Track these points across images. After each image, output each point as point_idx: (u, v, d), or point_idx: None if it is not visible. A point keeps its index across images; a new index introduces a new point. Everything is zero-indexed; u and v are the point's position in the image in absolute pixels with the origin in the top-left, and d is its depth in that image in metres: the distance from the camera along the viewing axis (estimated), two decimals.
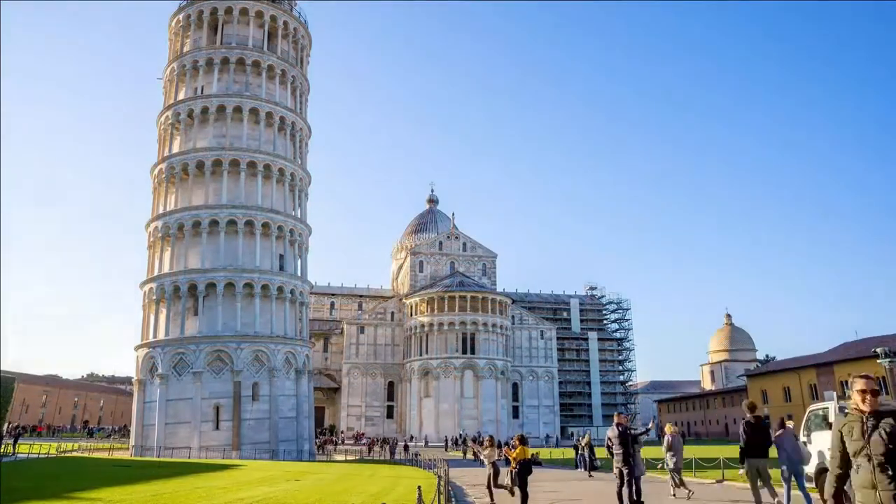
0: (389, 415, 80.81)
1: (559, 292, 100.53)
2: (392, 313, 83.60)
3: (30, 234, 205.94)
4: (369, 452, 50.62)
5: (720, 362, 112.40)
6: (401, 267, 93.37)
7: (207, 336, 40.94)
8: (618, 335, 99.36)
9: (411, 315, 78.87)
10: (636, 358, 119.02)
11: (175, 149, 46.26)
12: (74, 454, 40.19)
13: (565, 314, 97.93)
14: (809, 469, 13.07)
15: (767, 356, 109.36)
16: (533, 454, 19.60)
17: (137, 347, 43.19)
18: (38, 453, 34.39)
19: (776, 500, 11.59)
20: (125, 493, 15.76)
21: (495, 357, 75.79)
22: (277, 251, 45.13)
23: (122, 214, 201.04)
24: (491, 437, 14.39)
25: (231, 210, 43.27)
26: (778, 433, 12.08)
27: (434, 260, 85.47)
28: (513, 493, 13.46)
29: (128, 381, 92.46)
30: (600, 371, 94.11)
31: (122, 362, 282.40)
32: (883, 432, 4.22)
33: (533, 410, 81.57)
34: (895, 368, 27.96)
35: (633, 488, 11.90)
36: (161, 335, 41.86)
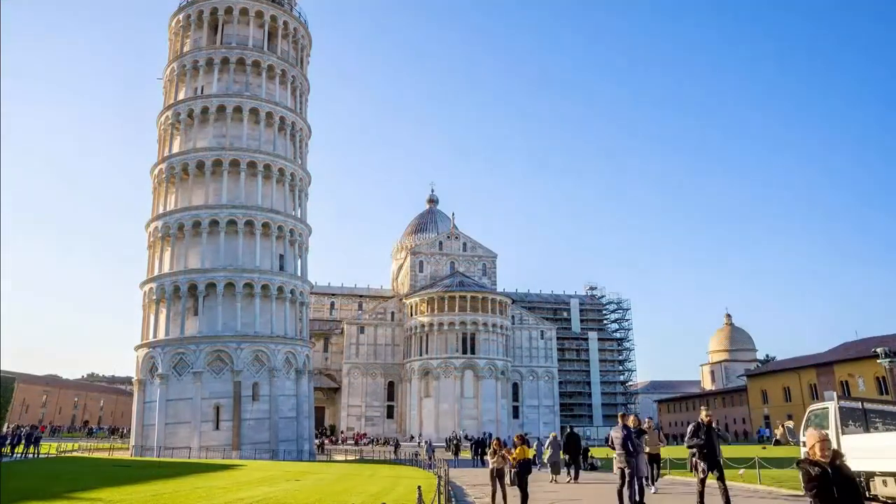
0: (389, 415, 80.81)
1: (559, 292, 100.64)
2: (392, 313, 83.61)
3: (30, 234, 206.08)
4: (370, 451, 50.66)
5: (720, 362, 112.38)
6: (401, 267, 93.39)
7: (207, 336, 40.95)
8: (618, 335, 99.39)
9: (411, 315, 78.88)
10: (636, 358, 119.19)
11: (175, 149, 46.28)
12: (74, 454, 40.22)
13: (565, 314, 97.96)
14: None
15: (767, 356, 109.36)
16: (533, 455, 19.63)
17: (137, 347, 43.20)
18: (38, 453, 34.42)
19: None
20: (125, 493, 15.77)
21: (495, 357, 75.79)
22: (277, 251, 45.14)
23: (121, 214, 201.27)
24: (498, 438, 14.36)
25: (231, 210, 43.29)
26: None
27: (434, 260, 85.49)
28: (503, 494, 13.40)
29: (128, 381, 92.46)
30: (600, 371, 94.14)
31: (122, 362, 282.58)
32: None
33: (533, 410, 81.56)
34: (895, 368, 27.95)
35: (635, 488, 11.87)
36: (161, 335, 41.87)
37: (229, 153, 44.27)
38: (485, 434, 59.10)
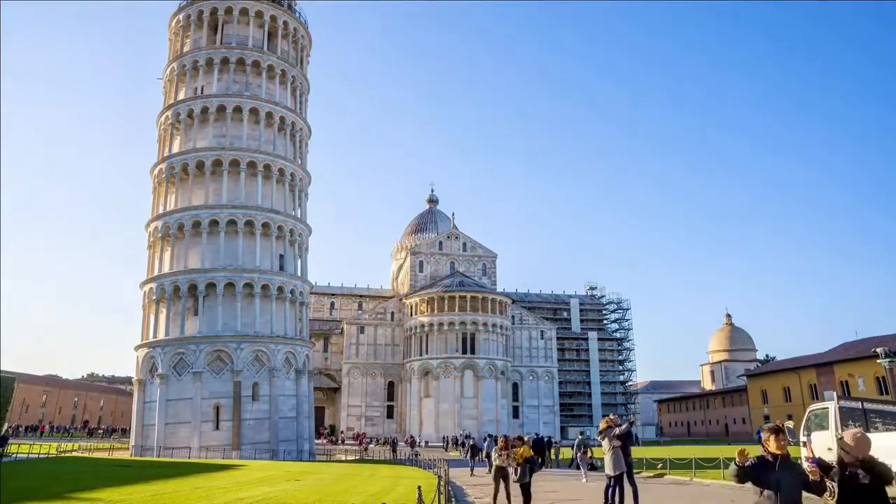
0: (389, 415, 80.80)
1: (559, 292, 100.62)
2: (392, 313, 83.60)
3: (30, 233, 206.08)
4: (366, 451, 50.43)
5: (720, 362, 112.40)
6: (401, 267, 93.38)
7: (207, 336, 40.95)
8: (618, 335, 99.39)
9: (411, 315, 78.88)
10: (636, 358, 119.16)
11: (175, 149, 46.27)
12: (74, 454, 40.22)
13: (565, 314, 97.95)
14: None
15: (767, 356, 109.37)
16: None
17: (137, 347, 43.20)
18: (38, 453, 34.40)
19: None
20: (125, 493, 15.77)
21: (495, 357, 75.79)
22: (277, 251, 45.14)
23: (121, 214, 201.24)
24: (505, 437, 14.26)
25: (231, 210, 43.28)
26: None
27: (434, 260, 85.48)
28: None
29: (128, 381, 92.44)
30: (600, 371, 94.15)
31: (122, 362, 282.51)
32: None
33: (533, 410, 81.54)
34: (895, 368, 27.95)
35: (610, 487, 12.17)
36: (161, 335, 41.86)
37: (229, 153, 44.26)
38: (474, 435, 58.92)
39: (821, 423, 15.31)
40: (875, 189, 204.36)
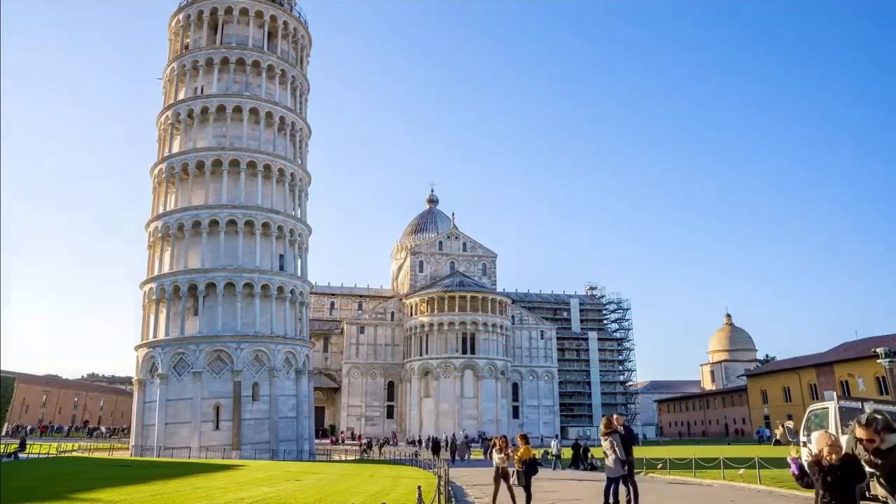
0: (389, 415, 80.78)
1: (559, 292, 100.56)
2: (392, 313, 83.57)
3: (30, 233, 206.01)
4: (367, 451, 50.37)
5: (720, 362, 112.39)
6: (401, 267, 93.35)
7: (207, 336, 40.96)
8: (618, 335, 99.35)
9: (411, 315, 78.87)
10: (636, 358, 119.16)
11: (175, 149, 46.28)
12: (74, 454, 40.22)
13: (565, 314, 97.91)
14: None
15: (767, 356, 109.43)
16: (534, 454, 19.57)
17: (137, 347, 43.21)
18: (38, 453, 34.42)
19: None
20: (125, 493, 15.77)
21: (495, 357, 75.77)
22: (277, 251, 45.14)
23: (122, 214, 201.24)
24: (504, 436, 14.24)
25: (231, 210, 43.29)
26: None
27: (434, 260, 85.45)
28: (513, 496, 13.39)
29: (128, 381, 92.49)
30: (600, 371, 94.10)
31: (122, 362, 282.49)
32: None
33: (533, 410, 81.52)
34: (895, 368, 27.96)
35: (610, 487, 12.24)
36: (161, 335, 41.88)
37: (229, 153, 44.27)
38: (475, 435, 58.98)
39: (821, 423, 15.30)
40: (875, 189, 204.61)
